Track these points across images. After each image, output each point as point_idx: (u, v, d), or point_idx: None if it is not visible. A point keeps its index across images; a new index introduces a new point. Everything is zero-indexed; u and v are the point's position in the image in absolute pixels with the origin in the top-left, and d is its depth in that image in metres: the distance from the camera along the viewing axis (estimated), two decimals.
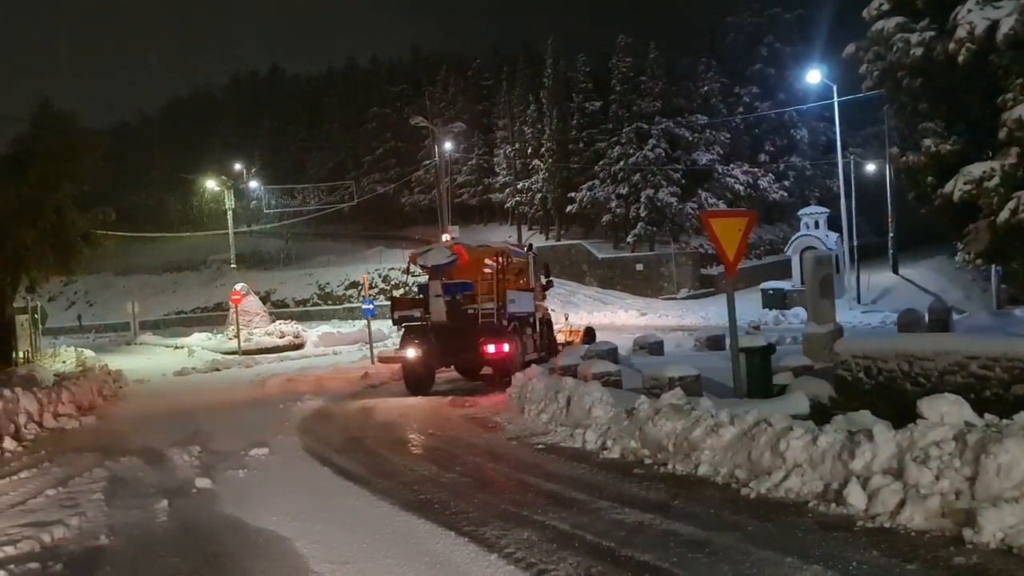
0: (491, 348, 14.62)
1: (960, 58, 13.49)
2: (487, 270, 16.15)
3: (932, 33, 14.52)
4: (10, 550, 6.27)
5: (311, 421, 13.09)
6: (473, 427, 11.45)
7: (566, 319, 24.35)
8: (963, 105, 15.00)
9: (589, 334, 21.22)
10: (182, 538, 6.69)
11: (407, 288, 33.52)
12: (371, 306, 23.97)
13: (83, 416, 14.44)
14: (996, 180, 13.25)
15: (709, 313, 33.83)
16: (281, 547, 6.24)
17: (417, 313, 16.09)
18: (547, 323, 19.15)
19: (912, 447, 6.12)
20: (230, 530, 6.86)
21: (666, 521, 6.16)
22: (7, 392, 12.63)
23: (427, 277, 16.54)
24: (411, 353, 15.46)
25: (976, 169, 13.63)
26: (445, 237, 20.79)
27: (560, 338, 20.58)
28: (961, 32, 13.43)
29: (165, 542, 6.60)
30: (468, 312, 15.41)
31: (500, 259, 16.41)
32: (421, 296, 16.76)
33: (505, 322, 15.25)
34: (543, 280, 19.03)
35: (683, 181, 49.05)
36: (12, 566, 5.85)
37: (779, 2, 56.11)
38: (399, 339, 17.42)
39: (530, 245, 20.43)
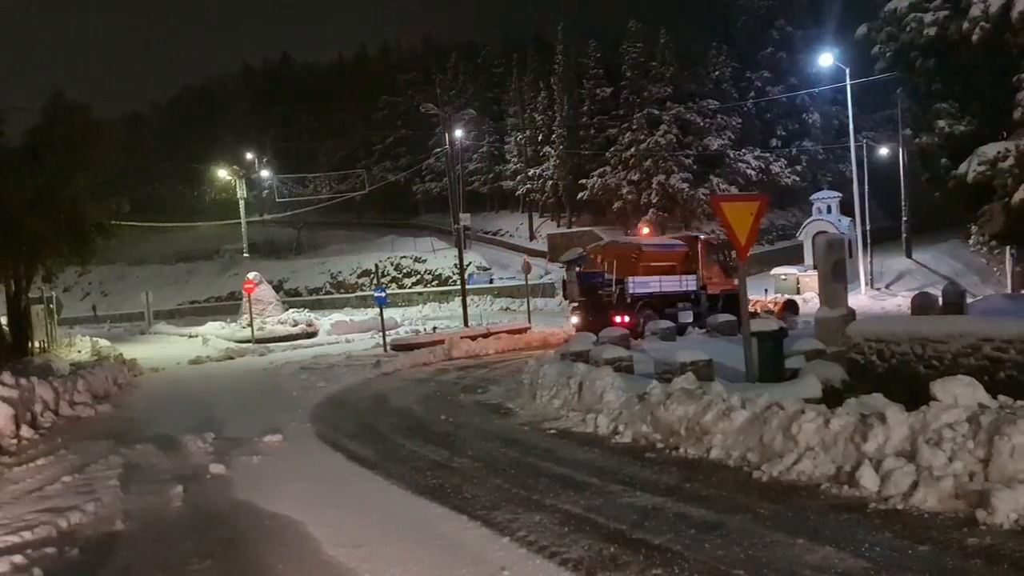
0: (617, 319, 18.95)
1: (974, 37, 13.33)
2: (632, 257, 20.96)
3: (946, 12, 14.35)
4: (27, 535, 6.36)
5: (323, 408, 13.15)
6: (485, 413, 11.48)
7: (765, 293, 28.09)
8: (977, 85, 14.84)
9: (790, 307, 23.23)
10: (197, 523, 6.76)
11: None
12: (383, 294, 23.89)
13: (98, 404, 14.56)
14: (1011, 161, 13.09)
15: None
16: (294, 531, 6.29)
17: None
18: (729, 297, 21.74)
19: (925, 429, 6.09)
20: (244, 515, 6.92)
21: (678, 504, 6.17)
22: (23, 381, 12.73)
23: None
24: (573, 320, 21.55)
25: (991, 150, 13.48)
26: (645, 231, 25.07)
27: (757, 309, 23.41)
28: (975, 11, 13.26)
29: (180, 527, 6.67)
30: (599, 293, 20.38)
31: (634, 253, 21.12)
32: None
33: (629, 300, 19.81)
34: (724, 261, 22.63)
35: (694, 167, 48.82)
36: (30, 551, 5.93)
37: None
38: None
39: (695, 236, 24.28)
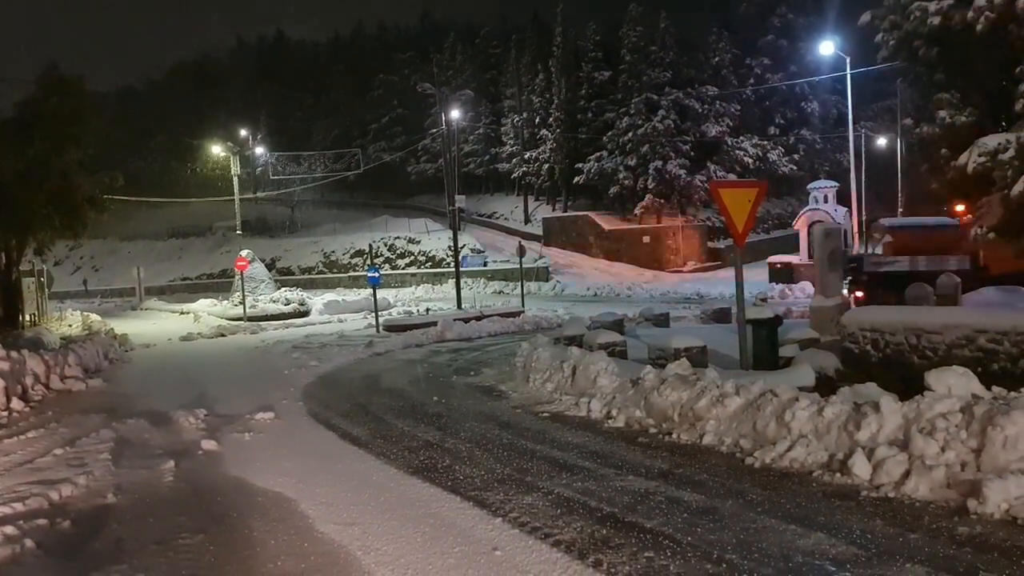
0: (858, 293, 20.77)
1: (978, 27, 13.23)
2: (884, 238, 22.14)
3: (950, 1, 14.23)
4: (19, 506, 6.34)
5: (315, 387, 13.13)
6: (478, 395, 11.47)
7: None
8: (980, 76, 14.75)
9: None
10: (188, 498, 6.74)
11: None
12: (376, 274, 23.77)
13: (90, 379, 14.51)
14: (1011, 152, 13.03)
15: (707, 286, 33.73)
16: (286, 508, 6.29)
17: None
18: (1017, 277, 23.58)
19: (918, 419, 6.11)
20: (236, 491, 6.91)
21: (670, 489, 6.18)
22: (14, 354, 12.68)
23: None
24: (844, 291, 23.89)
25: (991, 141, 13.41)
26: (884, 223, 25.75)
27: None
28: (980, 0, 13.16)
29: (172, 501, 6.65)
30: (843, 269, 22.72)
31: (879, 233, 22.42)
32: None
33: (865, 277, 21.21)
34: None
35: (692, 153, 48.69)
36: (21, 522, 5.91)
37: None
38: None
39: (957, 222, 25.43)
